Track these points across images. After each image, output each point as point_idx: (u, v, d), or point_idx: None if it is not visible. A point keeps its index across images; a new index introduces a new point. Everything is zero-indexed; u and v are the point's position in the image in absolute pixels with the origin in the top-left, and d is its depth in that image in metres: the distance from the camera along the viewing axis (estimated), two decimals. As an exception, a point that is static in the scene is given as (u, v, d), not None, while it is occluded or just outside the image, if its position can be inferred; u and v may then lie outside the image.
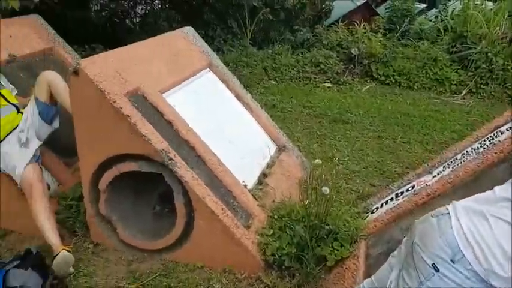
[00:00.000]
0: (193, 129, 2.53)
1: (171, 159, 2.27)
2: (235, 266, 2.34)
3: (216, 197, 2.34)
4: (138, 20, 8.51)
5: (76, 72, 2.19)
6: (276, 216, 2.48)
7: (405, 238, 1.58)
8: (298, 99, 5.46)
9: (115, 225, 2.51)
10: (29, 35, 3.25)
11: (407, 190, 2.45)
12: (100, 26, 7.73)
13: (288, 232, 2.29)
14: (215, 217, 2.27)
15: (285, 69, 6.39)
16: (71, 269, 2.29)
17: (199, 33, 8.10)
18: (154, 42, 2.85)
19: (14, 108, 2.55)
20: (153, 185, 2.73)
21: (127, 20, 8.43)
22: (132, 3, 8.48)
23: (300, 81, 6.24)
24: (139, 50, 2.67)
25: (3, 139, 2.47)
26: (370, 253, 2.24)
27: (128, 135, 2.26)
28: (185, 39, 3.12)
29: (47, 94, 2.57)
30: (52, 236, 2.33)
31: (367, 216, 2.58)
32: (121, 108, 2.22)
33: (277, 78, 6.26)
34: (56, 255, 2.25)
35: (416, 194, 2.25)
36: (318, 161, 2.18)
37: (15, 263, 2.08)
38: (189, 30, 3.23)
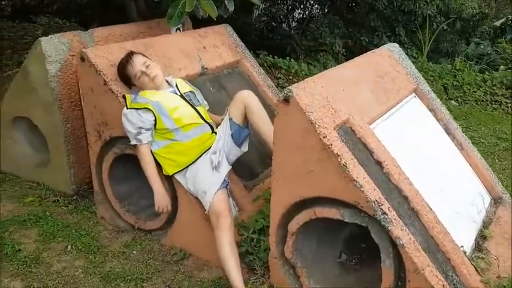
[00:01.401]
0: (404, 172, 2.08)
1: (384, 213, 1.85)
2: None
3: (435, 266, 1.85)
4: (294, 25, 8.33)
5: (287, 100, 1.91)
6: (509, 303, 1.89)
7: None
8: (488, 128, 4.60)
9: (299, 273, 2.20)
10: (220, 47, 3.15)
11: None
12: (259, 31, 7.72)
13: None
14: (434, 295, 1.79)
15: (469, 89, 5.51)
16: (253, 318, 2.04)
17: (362, 40, 7.51)
18: (360, 62, 2.46)
19: (209, 128, 2.40)
20: (337, 229, 2.35)
21: (284, 25, 8.31)
22: (290, 7, 8.34)
23: (487, 104, 5.30)
24: (346, 72, 2.31)
25: (196, 160, 2.33)
26: None
27: (335, 178, 1.90)
28: (390, 57, 2.67)
29: (241, 115, 2.37)
30: (235, 276, 2.11)
31: None
32: (331, 145, 1.87)
33: (459, 99, 5.42)
34: (240, 301, 2.02)
35: None
36: None
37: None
38: (394, 47, 2.77)
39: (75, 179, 2.96)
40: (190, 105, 2.39)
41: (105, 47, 2.55)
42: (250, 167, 2.76)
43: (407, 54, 7.51)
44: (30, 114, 2.96)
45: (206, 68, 2.96)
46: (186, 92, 2.46)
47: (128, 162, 2.58)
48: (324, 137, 1.88)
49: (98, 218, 2.79)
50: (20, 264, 2.36)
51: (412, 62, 6.71)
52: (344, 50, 7.24)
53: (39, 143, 3.08)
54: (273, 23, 8.05)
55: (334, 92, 2.10)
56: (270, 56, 6.50)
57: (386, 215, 1.84)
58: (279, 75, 6.11)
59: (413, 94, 2.64)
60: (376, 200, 1.85)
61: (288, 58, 6.49)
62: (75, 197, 2.94)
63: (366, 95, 2.28)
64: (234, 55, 3.23)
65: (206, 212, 2.27)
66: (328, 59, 6.96)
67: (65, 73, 2.79)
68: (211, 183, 2.27)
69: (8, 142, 3.16)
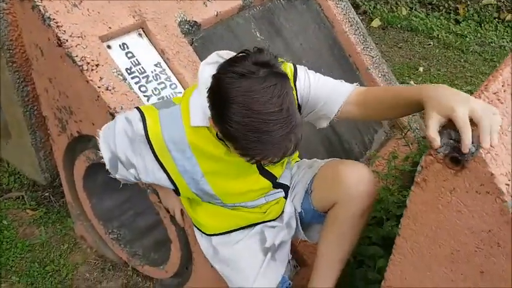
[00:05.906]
0: None
1: None
2: None
3: None
4: None
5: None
6: None
7: None
8: None
9: None
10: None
11: None
12: None
13: None
14: None
15: None
16: None
17: None
18: None
19: (281, 193, 1.23)
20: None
21: None
22: None
23: None
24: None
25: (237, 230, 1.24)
26: None
27: None
28: None
29: (327, 203, 1.17)
30: None
31: None
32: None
33: None
34: None
35: None
36: None
37: None
38: None
39: (48, 165, 1.98)
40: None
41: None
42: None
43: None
44: (-28, 63, 1.90)
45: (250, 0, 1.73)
46: None
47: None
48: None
49: (77, 237, 1.86)
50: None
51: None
52: None
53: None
54: None
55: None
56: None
57: None
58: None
59: None
60: None
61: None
62: (47, 192, 1.99)
63: None
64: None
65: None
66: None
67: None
68: (258, 278, 1.19)
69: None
